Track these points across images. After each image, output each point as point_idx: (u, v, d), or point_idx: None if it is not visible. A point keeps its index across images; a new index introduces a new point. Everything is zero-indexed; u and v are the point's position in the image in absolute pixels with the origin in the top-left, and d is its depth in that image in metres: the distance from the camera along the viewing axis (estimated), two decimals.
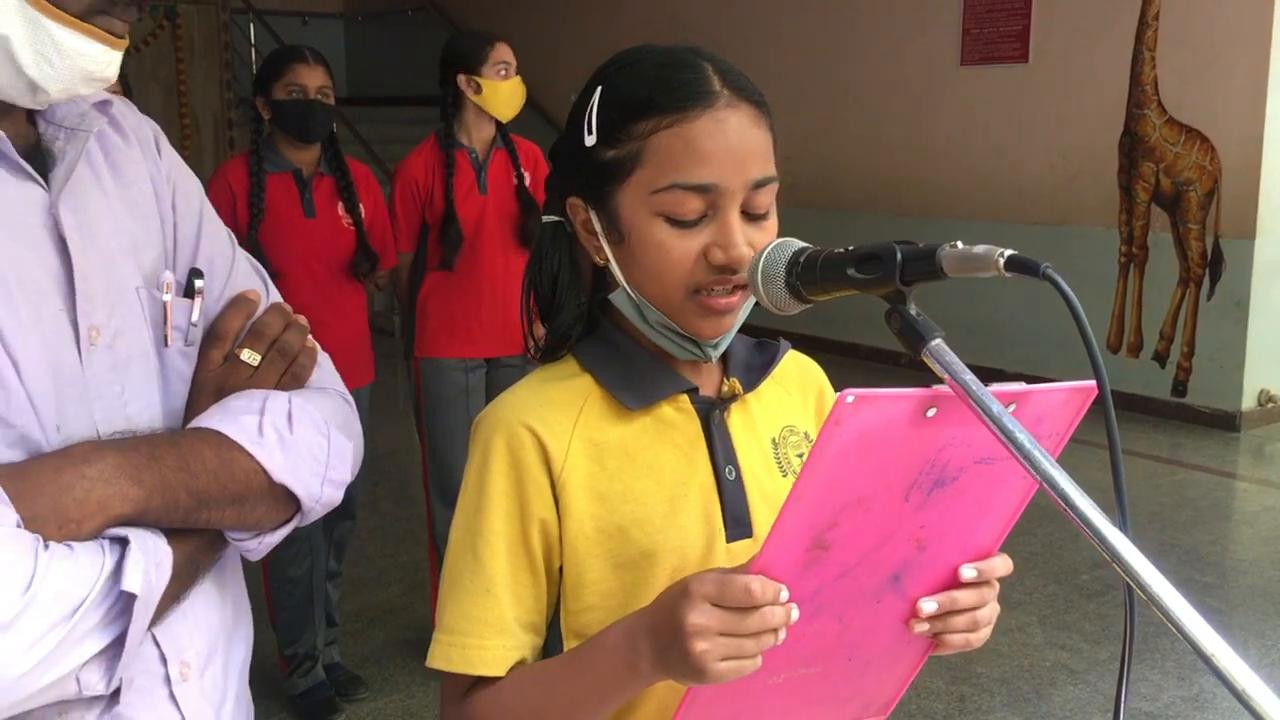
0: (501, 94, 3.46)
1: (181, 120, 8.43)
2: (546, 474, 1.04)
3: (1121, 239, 6.65)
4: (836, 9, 8.03)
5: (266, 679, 3.46)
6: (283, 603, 3.36)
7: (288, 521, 1.04)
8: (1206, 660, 0.68)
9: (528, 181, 3.58)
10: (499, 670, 1.02)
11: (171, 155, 1.11)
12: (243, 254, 1.16)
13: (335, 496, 1.06)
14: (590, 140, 1.04)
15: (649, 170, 1.01)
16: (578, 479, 1.04)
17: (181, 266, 1.07)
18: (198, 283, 1.06)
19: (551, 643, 1.07)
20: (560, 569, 1.06)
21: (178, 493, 0.94)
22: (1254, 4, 5.96)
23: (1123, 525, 0.76)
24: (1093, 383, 0.86)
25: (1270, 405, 6.36)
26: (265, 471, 0.99)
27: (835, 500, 0.83)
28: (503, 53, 3.48)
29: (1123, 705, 0.85)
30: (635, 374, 1.07)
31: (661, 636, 0.89)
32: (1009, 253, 0.79)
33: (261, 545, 1.04)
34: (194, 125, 8.52)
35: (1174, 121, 6.34)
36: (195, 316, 1.05)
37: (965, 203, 7.30)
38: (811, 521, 0.83)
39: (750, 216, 1.02)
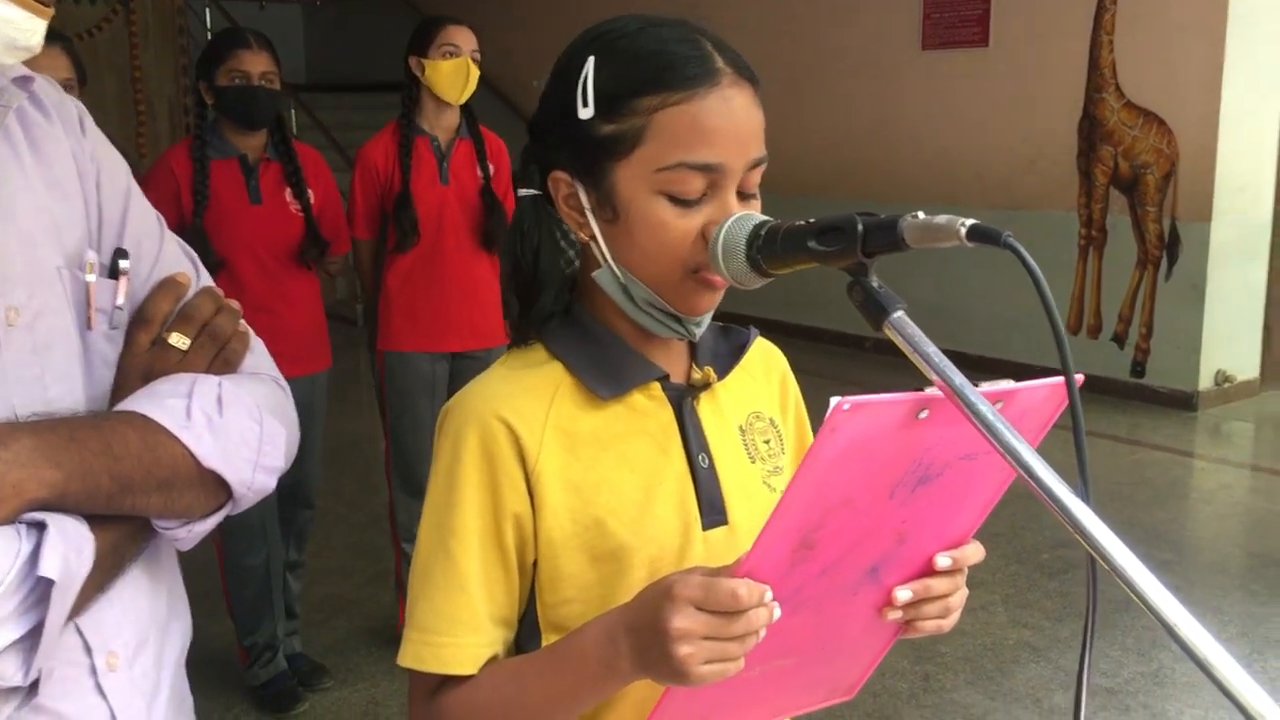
0: (442, 74, 3.41)
1: (136, 107, 8.30)
2: (520, 467, 1.01)
3: (1081, 222, 6.71)
4: None
5: (227, 670, 3.43)
6: (239, 593, 3.32)
7: (219, 509, 1.01)
8: (1170, 629, 0.68)
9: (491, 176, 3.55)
10: (472, 668, 1.00)
11: (96, 134, 1.07)
12: (172, 236, 1.11)
13: (268, 483, 1.03)
14: (586, 113, 1.00)
15: (653, 147, 0.98)
16: (552, 471, 1.02)
17: (106, 248, 1.03)
18: (122, 264, 1.02)
19: (527, 636, 1.05)
20: (535, 563, 1.03)
21: (99, 477, 0.90)
22: None
23: (1084, 496, 0.76)
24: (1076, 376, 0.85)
25: (1226, 385, 6.45)
26: (193, 456, 0.96)
27: (825, 503, 0.83)
28: (451, 34, 3.44)
29: (1085, 675, 0.85)
30: (607, 361, 1.05)
31: (643, 638, 0.87)
32: (971, 222, 0.78)
33: (191, 534, 1.00)
34: (149, 112, 8.39)
35: (1132, 105, 6.40)
36: (120, 299, 1.02)
37: (927, 187, 7.34)
38: (801, 524, 0.83)
39: (742, 195, 1.01)
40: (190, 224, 3.05)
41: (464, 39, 3.45)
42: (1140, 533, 4.56)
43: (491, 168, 3.55)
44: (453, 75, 3.42)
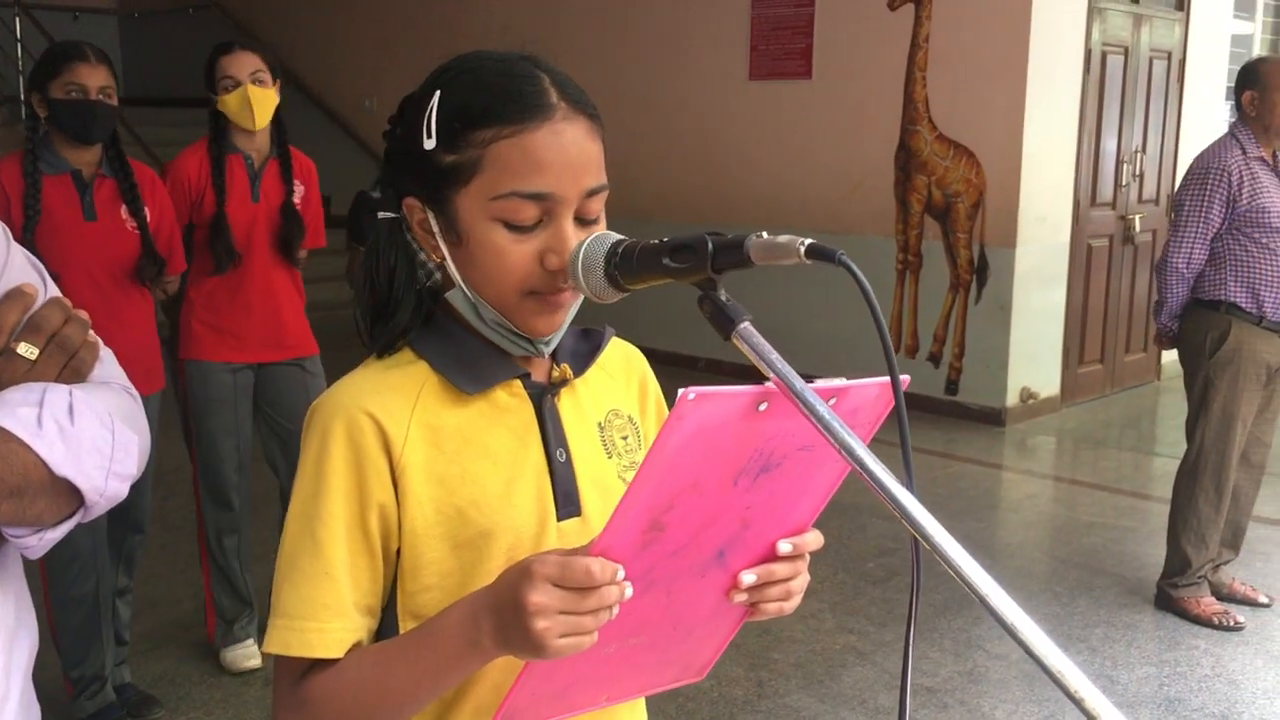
0: (230, 107, 3.42)
1: None
2: (386, 458, 1.06)
3: (898, 247, 7.06)
4: (630, 23, 8.21)
5: (53, 703, 3.29)
6: (66, 623, 3.20)
7: (70, 516, 1.02)
8: (979, 596, 0.77)
9: (298, 196, 3.56)
10: (338, 652, 1.04)
11: None
12: (19, 248, 1.11)
13: (120, 490, 1.04)
14: (430, 144, 1.07)
15: (488, 177, 1.04)
16: (417, 463, 1.07)
17: None
18: None
19: (386, 627, 1.09)
20: (398, 552, 1.08)
21: None
22: (1012, 30, 6.45)
23: (909, 485, 0.86)
24: (901, 377, 0.95)
25: (1031, 401, 6.88)
26: (45, 464, 0.96)
27: (673, 486, 0.89)
28: (224, 66, 3.41)
29: (910, 637, 0.94)
30: (470, 360, 1.11)
31: (504, 614, 0.92)
32: (809, 241, 0.87)
33: (42, 542, 1.01)
34: None
35: (943, 137, 6.78)
36: None
37: (756, 212, 7.58)
38: (650, 506, 0.89)
39: (583, 221, 1.08)
40: (20, 239, 2.94)
41: (238, 66, 3.40)
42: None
43: (301, 186, 3.56)
44: (237, 108, 3.40)
